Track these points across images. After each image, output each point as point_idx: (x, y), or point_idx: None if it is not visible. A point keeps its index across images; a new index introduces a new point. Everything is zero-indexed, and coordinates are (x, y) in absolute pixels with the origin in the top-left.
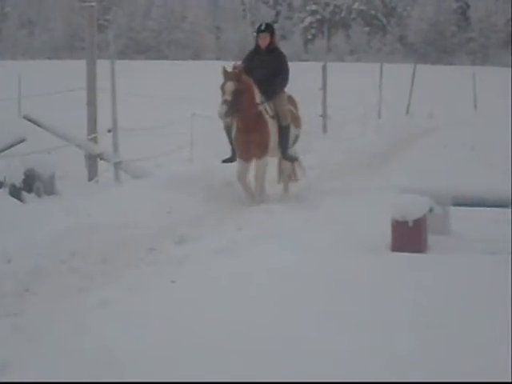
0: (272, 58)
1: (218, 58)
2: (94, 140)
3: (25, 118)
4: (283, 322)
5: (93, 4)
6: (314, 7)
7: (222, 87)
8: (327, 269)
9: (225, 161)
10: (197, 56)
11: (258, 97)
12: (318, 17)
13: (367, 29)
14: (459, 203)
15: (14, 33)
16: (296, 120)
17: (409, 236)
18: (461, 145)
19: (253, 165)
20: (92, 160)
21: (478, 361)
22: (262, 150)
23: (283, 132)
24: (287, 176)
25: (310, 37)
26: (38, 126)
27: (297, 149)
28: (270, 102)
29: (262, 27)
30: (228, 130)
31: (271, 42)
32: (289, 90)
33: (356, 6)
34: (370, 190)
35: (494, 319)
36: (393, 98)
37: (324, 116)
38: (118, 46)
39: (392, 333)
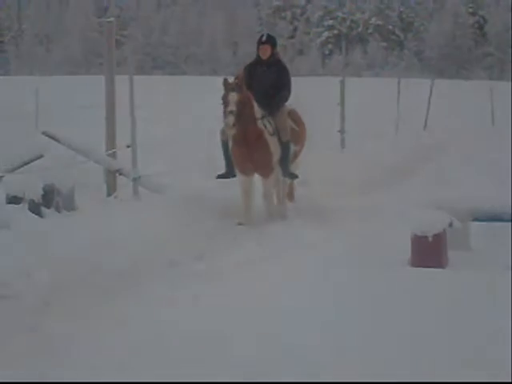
0: (273, 70)
1: (233, 74)
2: (113, 155)
3: (43, 133)
4: (306, 333)
5: (111, 19)
6: (330, 22)
7: (225, 98)
8: (346, 283)
9: (220, 176)
10: (214, 71)
11: (257, 111)
12: (335, 32)
13: (384, 44)
14: (478, 218)
15: (31, 49)
16: (296, 136)
17: (428, 251)
18: (478, 160)
19: (259, 182)
20: (111, 175)
21: None
22: (266, 169)
23: (283, 148)
24: (284, 195)
25: (327, 52)
26: (57, 141)
27: (298, 166)
28: (269, 117)
29: (263, 38)
30: (224, 144)
31: (272, 54)
32: (307, 105)
33: (373, 20)
34: (389, 204)
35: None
36: (410, 112)
37: (342, 131)
38: (135, 61)
39: (397, 348)
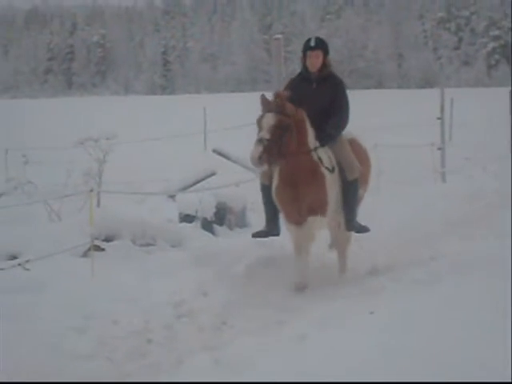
0: (326, 87)
1: (399, 87)
2: None
3: (214, 151)
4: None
5: (279, 36)
6: (496, 32)
7: (259, 122)
8: None
9: (256, 235)
10: (379, 85)
11: (311, 138)
12: (501, 42)
13: None
14: None
15: (197, 67)
16: (361, 175)
17: None
18: None
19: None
20: None
21: None
22: (320, 209)
23: (349, 190)
24: (345, 250)
25: (493, 62)
26: (227, 159)
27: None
28: (326, 148)
29: (312, 43)
30: (265, 190)
31: (324, 65)
32: (476, 116)
33: None
34: None
35: None
36: None
37: None
38: None
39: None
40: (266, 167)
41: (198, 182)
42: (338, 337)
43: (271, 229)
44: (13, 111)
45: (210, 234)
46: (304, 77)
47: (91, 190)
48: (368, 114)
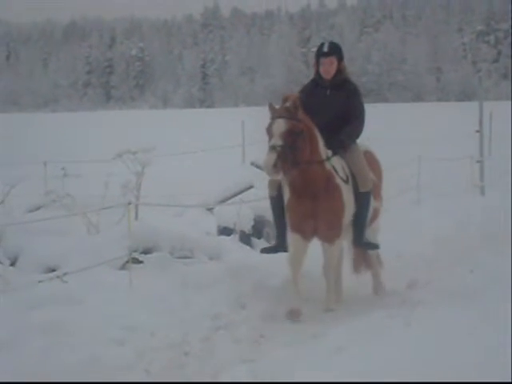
0: (340, 94)
1: (438, 100)
2: None
3: (252, 164)
4: None
5: None
6: None
7: (269, 128)
8: None
9: (264, 250)
10: (418, 98)
11: (322, 147)
12: None
13: None
14: None
15: (236, 80)
16: (375, 188)
17: None
18: None
19: (317, 248)
20: None
21: None
22: (333, 230)
23: (361, 203)
24: (376, 262)
25: None
26: None
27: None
28: (339, 158)
29: (325, 49)
30: (274, 202)
31: (339, 71)
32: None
33: None
34: None
35: None
36: None
37: None
38: None
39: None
40: (280, 176)
41: (236, 194)
42: (374, 349)
43: (280, 244)
44: (52, 124)
45: (248, 247)
46: (317, 83)
47: (129, 203)
48: (407, 126)
